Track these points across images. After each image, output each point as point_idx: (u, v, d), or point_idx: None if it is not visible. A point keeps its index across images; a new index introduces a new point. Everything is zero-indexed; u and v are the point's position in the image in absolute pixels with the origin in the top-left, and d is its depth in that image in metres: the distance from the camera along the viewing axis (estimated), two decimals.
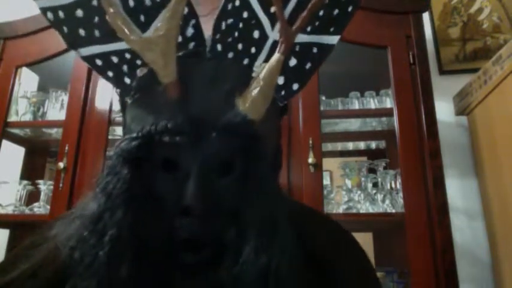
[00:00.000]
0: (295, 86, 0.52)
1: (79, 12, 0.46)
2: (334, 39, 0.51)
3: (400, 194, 1.32)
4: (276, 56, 0.44)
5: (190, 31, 0.48)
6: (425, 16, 1.62)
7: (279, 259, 0.40)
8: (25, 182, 1.58)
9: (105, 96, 1.48)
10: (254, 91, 0.43)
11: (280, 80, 0.50)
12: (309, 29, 0.50)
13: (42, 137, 1.78)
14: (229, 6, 0.47)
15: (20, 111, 1.66)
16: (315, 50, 0.51)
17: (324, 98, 1.51)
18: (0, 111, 1.53)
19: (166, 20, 0.42)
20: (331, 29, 0.51)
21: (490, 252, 1.44)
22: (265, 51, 0.49)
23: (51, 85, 1.70)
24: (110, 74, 0.48)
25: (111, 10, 0.42)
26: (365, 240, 1.61)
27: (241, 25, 0.48)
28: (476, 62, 1.69)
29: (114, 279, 0.38)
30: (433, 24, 1.78)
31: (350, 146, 1.92)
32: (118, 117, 1.57)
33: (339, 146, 1.90)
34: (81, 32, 0.46)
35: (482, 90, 1.41)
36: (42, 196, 1.52)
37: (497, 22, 1.76)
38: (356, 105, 1.53)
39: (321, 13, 0.49)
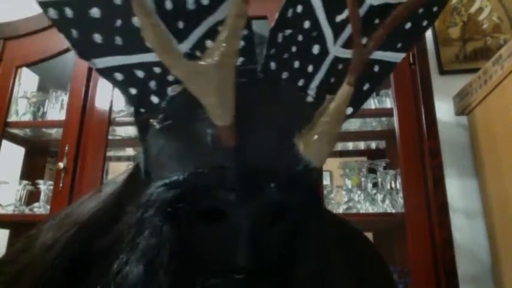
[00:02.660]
0: (349, 110, 0.41)
1: (95, 12, 0.35)
2: (399, 57, 0.42)
3: (400, 194, 1.32)
4: (346, 88, 0.35)
5: (240, 44, 0.37)
6: None
7: None
8: (25, 182, 1.58)
9: (105, 96, 1.48)
10: (318, 134, 0.35)
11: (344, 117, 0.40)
12: None
13: (42, 137, 1.78)
14: (290, 13, 0.37)
15: (20, 111, 1.66)
16: (376, 68, 0.43)
17: None
18: (0, 111, 1.53)
19: (224, 41, 0.31)
20: (399, 45, 0.42)
21: (490, 252, 1.44)
22: (324, 70, 0.40)
23: (51, 85, 1.70)
24: (133, 91, 0.37)
25: (148, 21, 0.31)
26: None
27: (300, 38, 0.38)
28: (476, 62, 1.69)
29: None
30: (433, 24, 1.78)
31: (350, 146, 1.91)
32: (118, 117, 1.58)
33: (339, 146, 1.90)
34: (97, 37, 0.35)
35: (482, 90, 1.40)
36: (42, 196, 1.52)
37: (497, 22, 1.76)
38: None
39: None
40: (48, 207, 1.46)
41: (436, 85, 1.37)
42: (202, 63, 0.31)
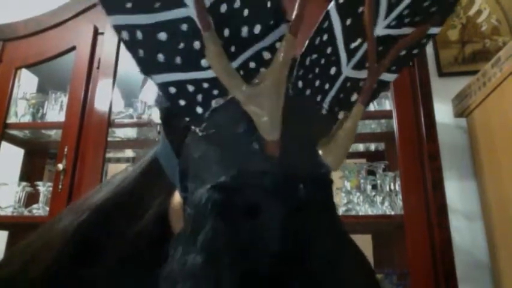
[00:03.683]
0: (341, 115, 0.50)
1: (162, 36, 0.40)
2: (392, 77, 0.50)
3: (399, 196, 1.32)
4: (360, 107, 0.43)
5: None
6: None
7: None
8: (24, 183, 1.58)
9: (105, 97, 1.48)
10: (338, 143, 0.42)
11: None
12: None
13: (41, 139, 1.78)
14: (317, 41, 0.44)
15: (19, 112, 1.66)
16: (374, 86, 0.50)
17: None
18: None
19: (277, 69, 0.37)
20: (393, 68, 0.49)
21: (489, 254, 1.44)
22: (336, 87, 0.47)
23: (51, 87, 1.70)
24: (182, 102, 0.43)
25: (216, 49, 0.38)
26: (364, 242, 1.61)
27: (323, 61, 0.45)
28: (475, 64, 1.69)
29: None
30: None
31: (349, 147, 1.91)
32: (117, 119, 1.58)
33: None
34: (160, 57, 0.41)
35: (481, 92, 1.41)
36: (41, 198, 1.52)
37: (496, 24, 1.76)
38: None
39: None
40: (47, 208, 1.45)
41: (435, 87, 1.38)
42: (259, 87, 0.38)
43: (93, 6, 1.57)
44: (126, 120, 1.62)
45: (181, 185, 0.44)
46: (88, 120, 1.46)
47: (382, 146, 1.79)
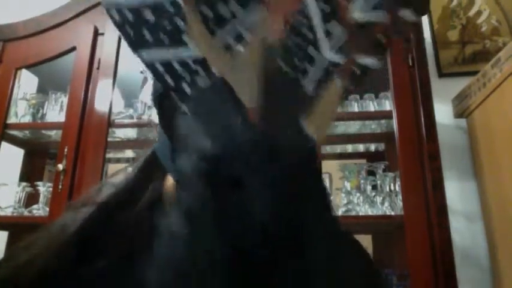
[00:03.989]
0: None
1: (148, 15, 0.44)
2: (374, 64, 0.51)
3: (399, 196, 1.32)
4: (338, 82, 0.46)
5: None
6: (424, 19, 1.63)
7: None
8: (24, 183, 1.58)
9: (105, 98, 1.48)
10: (322, 115, 0.44)
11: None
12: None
13: (41, 139, 1.78)
14: (295, 21, 0.46)
15: (20, 113, 1.66)
16: (357, 71, 0.51)
17: None
18: None
19: (255, 42, 0.41)
20: (372, 53, 0.50)
21: (489, 254, 1.44)
22: (317, 69, 0.48)
23: (51, 87, 1.71)
24: (170, 80, 0.46)
25: (197, 26, 0.41)
26: (364, 242, 1.61)
27: (301, 41, 0.47)
28: (475, 65, 1.69)
29: None
30: (432, 27, 1.78)
31: (349, 148, 1.92)
32: (117, 119, 1.58)
33: (338, 148, 1.90)
34: (147, 35, 0.45)
35: (481, 93, 1.41)
36: (41, 198, 1.52)
37: (496, 25, 1.76)
38: (355, 108, 1.53)
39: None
40: (47, 209, 1.46)
41: (435, 88, 1.38)
42: (238, 59, 0.41)
43: (93, 6, 1.57)
44: (126, 121, 1.62)
45: (174, 166, 0.46)
46: (88, 121, 1.46)
47: (382, 146, 1.79)
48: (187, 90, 0.45)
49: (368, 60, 0.50)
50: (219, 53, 0.41)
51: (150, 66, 0.45)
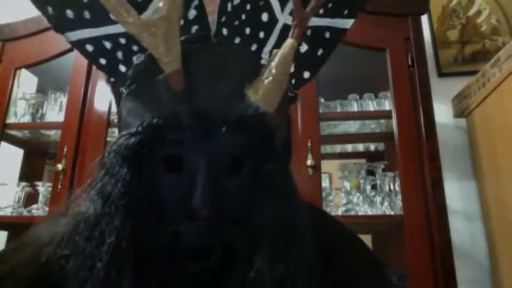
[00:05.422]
0: (307, 74, 0.49)
1: None
2: (348, 23, 0.48)
3: (399, 196, 1.32)
4: (289, 41, 0.41)
5: (192, 13, 0.43)
6: (424, 19, 1.62)
7: (296, 268, 0.37)
8: (23, 183, 1.58)
9: (104, 97, 1.48)
10: (266, 80, 0.40)
11: (291, 68, 0.45)
12: (321, 11, 0.46)
13: (40, 139, 1.78)
14: None
15: (19, 113, 1.66)
16: (327, 34, 0.48)
17: (322, 100, 1.51)
18: None
19: (168, 0, 0.38)
20: (345, 12, 0.47)
21: (489, 254, 1.44)
22: (275, 36, 0.45)
23: (50, 87, 1.70)
24: (103, 61, 0.43)
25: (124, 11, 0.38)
26: None
27: (248, 7, 0.44)
28: (474, 65, 1.69)
29: None
30: (432, 27, 1.78)
31: (349, 148, 1.92)
32: (116, 119, 1.57)
33: (338, 148, 1.90)
34: (69, 13, 0.42)
35: (480, 93, 1.41)
36: (40, 198, 1.52)
37: (496, 25, 1.76)
38: (355, 108, 1.53)
39: None
40: (47, 209, 1.46)
41: (434, 87, 1.37)
42: (152, 18, 0.38)
43: None
44: None
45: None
46: (87, 120, 1.46)
47: (381, 146, 1.79)
48: (123, 69, 0.44)
49: (338, 22, 0.47)
50: (129, 11, 0.38)
51: (79, 46, 0.43)
